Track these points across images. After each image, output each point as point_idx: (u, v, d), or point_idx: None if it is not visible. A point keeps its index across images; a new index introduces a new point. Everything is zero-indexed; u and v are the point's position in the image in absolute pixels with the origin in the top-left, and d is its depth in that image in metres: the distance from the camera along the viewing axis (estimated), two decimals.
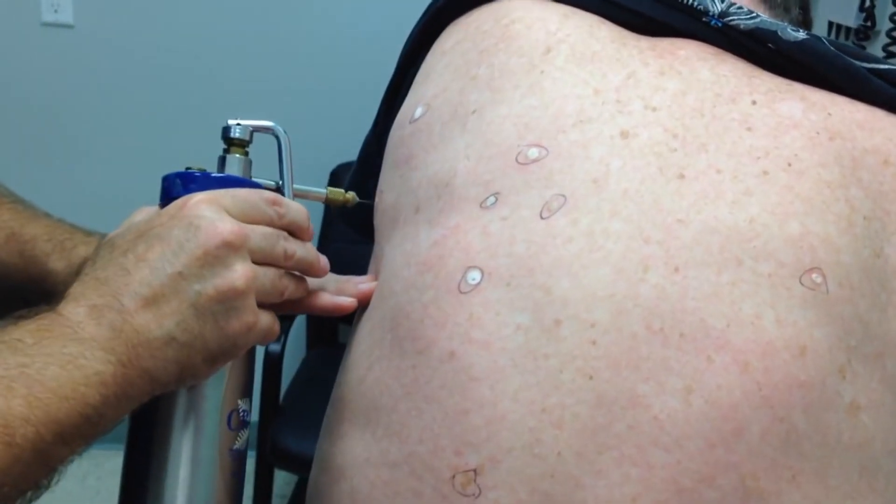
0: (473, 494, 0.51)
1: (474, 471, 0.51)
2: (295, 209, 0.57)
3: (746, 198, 0.53)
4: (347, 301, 0.61)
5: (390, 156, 0.67)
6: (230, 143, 0.58)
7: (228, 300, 0.51)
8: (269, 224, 0.55)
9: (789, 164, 0.54)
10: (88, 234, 0.72)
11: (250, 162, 0.59)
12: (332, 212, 2.13)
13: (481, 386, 0.52)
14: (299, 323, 2.11)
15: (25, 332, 0.46)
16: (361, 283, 0.63)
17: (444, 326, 0.54)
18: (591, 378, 0.50)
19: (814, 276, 0.51)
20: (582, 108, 0.58)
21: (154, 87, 2.21)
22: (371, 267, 0.67)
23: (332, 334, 2.19)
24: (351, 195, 0.64)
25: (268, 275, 0.54)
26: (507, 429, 0.51)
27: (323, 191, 0.63)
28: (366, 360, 0.59)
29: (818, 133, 0.56)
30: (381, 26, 2.11)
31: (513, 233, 0.55)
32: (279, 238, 0.55)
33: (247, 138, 0.58)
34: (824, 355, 0.50)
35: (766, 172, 0.54)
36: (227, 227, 0.51)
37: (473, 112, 0.61)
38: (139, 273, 0.49)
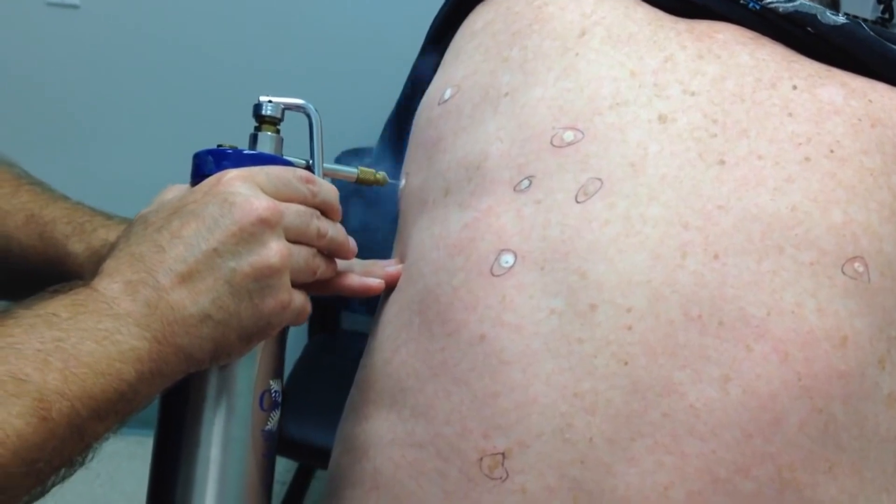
0: (500, 478, 0.50)
1: (502, 454, 0.50)
2: (327, 188, 0.56)
3: (788, 185, 0.52)
4: (375, 282, 0.61)
5: (417, 137, 0.66)
6: (262, 120, 0.57)
7: (264, 277, 0.50)
8: (303, 202, 0.54)
9: (831, 151, 0.54)
10: (108, 217, 0.71)
11: (282, 139, 0.58)
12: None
13: (512, 369, 0.51)
14: None
15: (60, 306, 0.45)
16: (388, 266, 0.62)
17: (475, 309, 0.54)
18: (625, 364, 0.50)
19: (856, 265, 0.51)
20: (618, 91, 0.57)
21: (160, 69, 2.20)
22: (395, 250, 0.66)
23: (333, 321, 2.18)
24: (382, 175, 0.63)
25: (301, 253, 0.53)
26: (537, 413, 0.50)
27: (354, 170, 0.62)
28: (392, 342, 0.58)
29: (860, 120, 0.55)
30: (391, 9, 2.10)
31: (547, 216, 0.54)
32: (312, 216, 0.54)
33: (278, 115, 0.57)
34: (865, 346, 0.49)
35: (808, 159, 0.53)
36: (262, 203, 0.50)
37: (506, 94, 0.60)
38: (174, 250, 0.49)
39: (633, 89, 0.57)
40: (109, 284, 0.47)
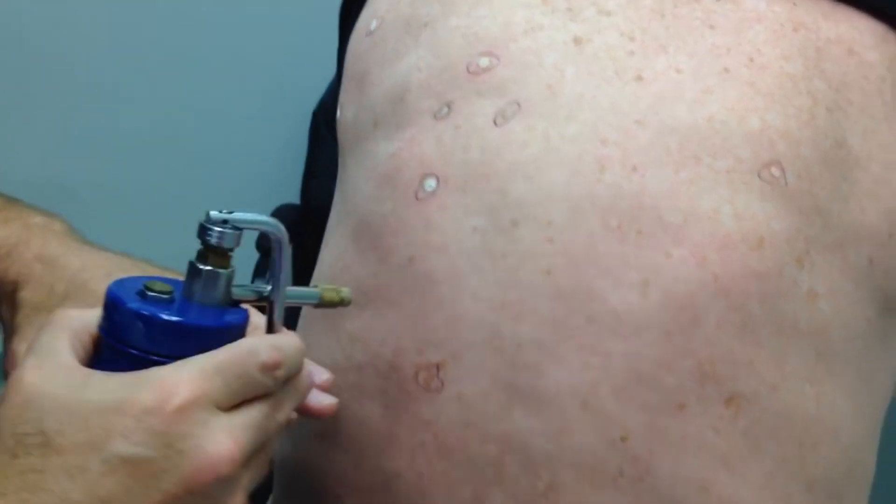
0: (437, 389, 0.52)
1: (437, 366, 0.52)
2: (292, 359, 0.44)
3: (706, 96, 0.53)
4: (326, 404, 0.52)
5: (349, 70, 0.67)
6: (210, 251, 0.43)
7: None
8: (265, 392, 0.42)
9: (751, 60, 0.54)
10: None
11: (233, 272, 0.44)
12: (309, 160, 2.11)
13: (441, 287, 0.53)
14: None
15: None
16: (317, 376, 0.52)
17: (402, 233, 0.55)
18: (548, 274, 0.51)
19: (772, 169, 0.52)
20: (532, 17, 0.58)
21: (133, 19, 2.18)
22: (338, 185, 0.67)
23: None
24: (346, 291, 0.51)
25: (259, 463, 0.43)
26: (467, 326, 0.52)
27: (316, 292, 0.49)
28: (331, 270, 0.61)
29: (782, 25, 0.55)
30: None
31: (467, 140, 0.55)
32: (274, 416, 0.43)
33: (234, 246, 0.43)
34: (782, 246, 0.50)
35: (727, 70, 0.54)
36: (219, 452, 0.39)
37: (425, 25, 0.61)
38: None
39: (547, 15, 0.57)
40: None
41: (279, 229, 0.45)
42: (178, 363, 0.40)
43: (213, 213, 0.42)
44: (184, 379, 0.39)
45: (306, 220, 2.07)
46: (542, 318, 0.51)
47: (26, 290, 0.55)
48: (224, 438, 0.39)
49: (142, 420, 0.38)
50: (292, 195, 2.14)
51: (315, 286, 0.49)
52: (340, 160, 0.67)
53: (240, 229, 0.43)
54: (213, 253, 0.43)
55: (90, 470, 0.37)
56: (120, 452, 0.37)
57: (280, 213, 2.06)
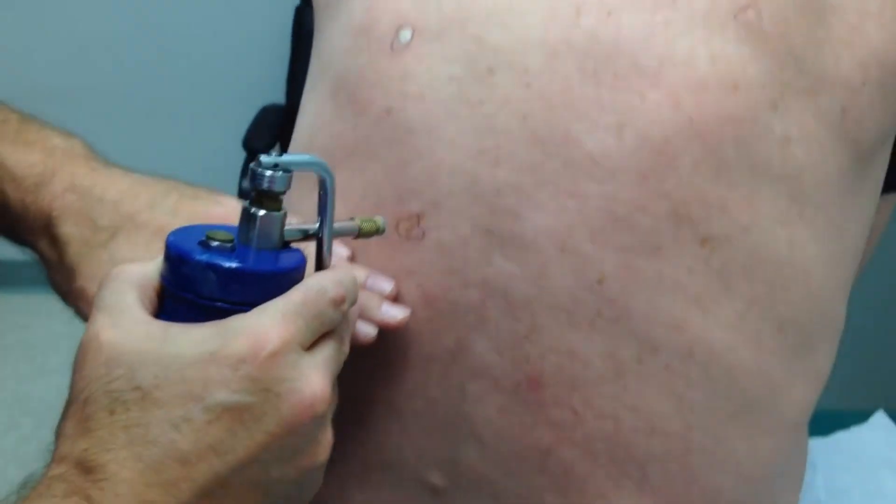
0: (418, 237, 0.53)
1: (417, 216, 0.53)
2: (353, 293, 0.45)
3: None
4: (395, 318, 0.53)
5: None
6: (264, 196, 0.43)
7: (309, 475, 0.42)
8: (334, 326, 0.44)
9: None
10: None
11: (286, 215, 0.44)
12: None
13: (418, 137, 0.53)
14: None
15: None
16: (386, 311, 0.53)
17: (379, 85, 0.55)
18: (525, 119, 0.51)
19: (749, 12, 0.51)
20: None
21: None
22: (314, 50, 0.66)
23: None
24: (381, 220, 0.51)
25: (335, 395, 0.44)
26: (445, 173, 0.52)
27: (354, 225, 0.49)
28: (310, 130, 0.60)
29: None
30: None
31: None
32: (342, 348, 0.45)
33: (285, 189, 0.43)
34: (757, 90, 0.50)
35: None
36: (314, 391, 0.40)
37: None
38: (202, 459, 0.38)
39: None
40: (121, 503, 0.37)
41: (326, 169, 0.45)
42: (259, 309, 0.40)
43: (265, 158, 0.42)
44: (271, 325, 0.40)
45: (291, 120, 2.06)
46: (519, 164, 0.51)
47: (67, 224, 0.54)
48: (315, 377, 0.40)
49: (238, 368, 0.38)
50: (277, 95, 2.13)
51: (352, 219, 0.49)
52: (316, 23, 0.66)
53: (290, 171, 0.43)
54: (267, 197, 0.43)
55: (194, 419, 0.38)
56: (221, 401, 0.38)
57: (265, 113, 2.05)
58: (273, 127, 2.00)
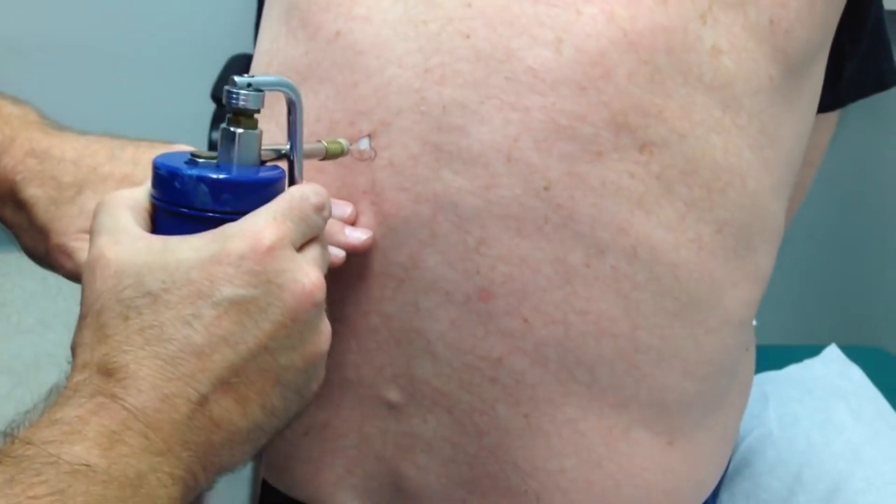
0: (370, 158, 0.55)
1: (368, 136, 0.55)
2: (329, 203, 0.48)
3: None
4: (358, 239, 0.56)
5: None
6: (240, 113, 0.45)
7: (314, 365, 0.45)
8: (318, 232, 0.47)
9: None
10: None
11: (261, 132, 0.46)
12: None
13: (367, 58, 0.55)
14: None
15: (91, 443, 0.37)
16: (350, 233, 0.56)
17: (328, 9, 0.57)
18: (468, 37, 0.53)
19: None
20: None
21: None
22: None
23: None
24: (345, 142, 0.54)
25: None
26: (394, 93, 0.54)
27: (321, 146, 0.52)
28: (266, 57, 0.62)
29: None
30: None
31: None
32: (325, 252, 0.48)
33: (259, 107, 0.45)
34: (686, 2, 0.52)
35: None
36: (312, 281, 0.43)
37: None
38: (216, 352, 0.40)
39: None
40: (142, 399, 0.39)
41: (294, 90, 0.47)
42: (250, 215, 0.43)
43: (238, 79, 0.44)
44: (265, 225, 0.42)
45: None
46: (464, 80, 0.53)
47: (31, 187, 0.56)
48: (311, 269, 0.44)
49: (240, 265, 0.41)
50: (245, 45, 2.12)
51: (319, 141, 0.52)
52: None
53: (261, 90, 0.45)
54: (243, 115, 0.45)
55: (204, 315, 0.40)
56: (227, 296, 0.41)
57: (234, 62, 2.04)
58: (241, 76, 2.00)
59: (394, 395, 0.57)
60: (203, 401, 0.40)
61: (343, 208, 0.56)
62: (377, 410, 0.58)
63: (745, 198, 0.55)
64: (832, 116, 0.68)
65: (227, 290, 0.41)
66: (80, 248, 0.54)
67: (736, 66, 0.53)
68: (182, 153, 0.46)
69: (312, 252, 0.45)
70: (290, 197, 0.45)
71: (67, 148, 0.57)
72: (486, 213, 0.53)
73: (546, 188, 0.52)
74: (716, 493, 0.66)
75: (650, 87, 0.52)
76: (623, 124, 0.52)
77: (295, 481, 0.61)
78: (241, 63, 2.04)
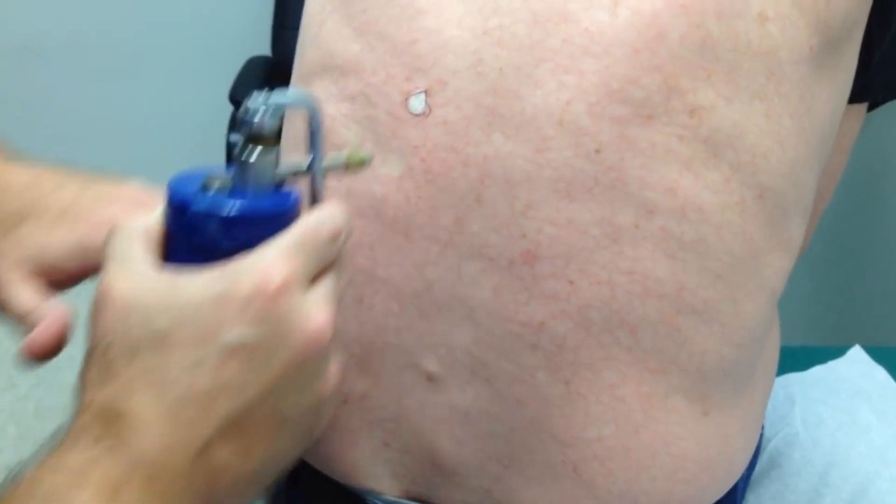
0: (425, 114, 0.56)
1: (424, 92, 0.56)
2: (347, 225, 0.46)
3: None
4: None
5: None
6: (257, 135, 0.43)
7: (320, 406, 0.44)
8: (332, 260, 0.45)
9: None
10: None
11: (279, 152, 0.45)
12: None
13: (427, 17, 0.57)
14: None
15: (95, 490, 0.37)
16: None
17: None
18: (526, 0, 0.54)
19: None
20: None
21: None
22: None
23: None
24: (367, 153, 0.51)
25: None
26: (452, 52, 0.55)
27: (341, 159, 0.49)
28: (318, 17, 0.63)
29: None
30: None
31: None
32: (340, 280, 0.46)
33: (277, 127, 0.43)
34: None
35: None
36: (320, 321, 0.41)
37: None
38: (220, 396, 0.39)
39: None
40: (144, 448, 0.38)
41: (315, 106, 0.45)
42: (262, 249, 0.41)
43: (254, 98, 0.43)
44: (274, 264, 0.40)
45: (278, 72, 2.05)
46: (520, 43, 0.54)
47: None
48: (319, 310, 0.42)
49: (247, 307, 0.39)
50: (262, 47, 2.12)
51: (338, 153, 0.49)
52: None
53: (280, 107, 0.43)
54: (259, 137, 0.43)
55: (210, 359, 0.39)
56: (234, 339, 0.39)
57: (251, 65, 2.05)
58: (260, 79, 2.00)
59: (433, 365, 0.57)
60: (206, 447, 0.39)
61: None
62: (416, 382, 0.58)
63: (785, 165, 0.56)
64: (861, 108, 0.68)
65: (233, 334, 0.40)
66: (11, 282, 0.52)
67: (780, 34, 0.54)
68: (199, 173, 0.44)
69: (324, 286, 0.43)
70: (304, 228, 0.43)
71: (15, 177, 0.55)
72: (536, 177, 0.53)
73: (597, 151, 0.53)
74: (743, 495, 0.65)
75: (701, 50, 0.52)
76: (674, 88, 0.53)
77: (331, 453, 0.61)
78: (259, 66, 2.05)
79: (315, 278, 0.43)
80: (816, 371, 1.00)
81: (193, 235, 0.42)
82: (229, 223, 0.42)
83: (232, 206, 0.42)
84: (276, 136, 0.43)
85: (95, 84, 2.22)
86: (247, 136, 0.43)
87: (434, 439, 0.58)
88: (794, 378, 0.98)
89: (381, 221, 0.57)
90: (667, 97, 0.52)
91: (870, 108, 0.70)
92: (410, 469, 0.60)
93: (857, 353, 1.04)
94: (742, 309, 0.57)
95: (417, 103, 0.56)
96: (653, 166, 0.53)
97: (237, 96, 1.92)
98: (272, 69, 2.04)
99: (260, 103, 0.42)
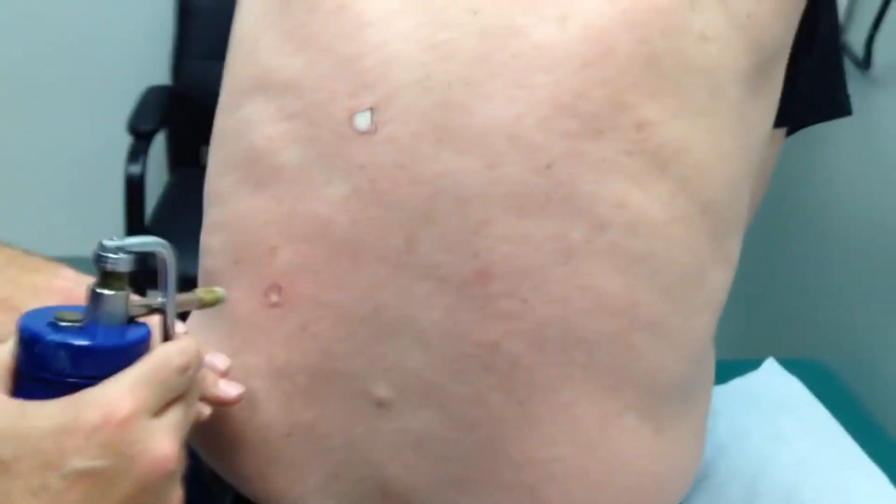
0: (371, 132, 0.54)
1: (370, 109, 0.55)
2: (197, 361, 0.48)
3: None
4: (233, 394, 0.56)
5: None
6: (109, 276, 0.46)
7: None
8: (181, 391, 0.47)
9: None
10: None
11: (129, 293, 0.47)
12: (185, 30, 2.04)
13: (373, 30, 0.55)
14: (159, 145, 2.05)
15: None
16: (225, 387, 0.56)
17: None
18: (475, 13, 0.54)
19: None
20: None
21: None
22: None
23: (194, 156, 2.14)
24: (220, 291, 0.55)
25: (182, 455, 0.47)
26: (399, 66, 0.54)
27: (196, 296, 0.53)
28: (254, 31, 0.61)
29: None
30: None
31: None
32: (190, 411, 0.48)
33: (129, 270, 0.46)
34: None
35: None
36: (164, 451, 0.43)
37: None
38: None
39: None
40: None
41: (167, 248, 0.47)
42: (108, 381, 0.43)
43: (108, 242, 0.45)
44: (121, 394, 0.42)
45: (178, 101, 2.01)
46: (470, 57, 0.53)
47: None
48: (164, 439, 0.43)
49: (92, 436, 0.41)
50: (162, 76, 2.07)
51: (193, 291, 0.53)
52: None
53: (133, 253, 0.46)
54: (112, 277, 0.45)
55: (52, 486, 0.40)
56: (77, 468, 0.40)
57: (151, 94, 2.00)
58: (159, 108, 1.95)
59: (384, 390, 0.56)
60: None
61: (218, 362, 0.56)
62: (366, 408, 0.56)
63: (726, 181, 0.57)
64: (782, 133, 0.70)
65: (77, 462, 0.40)
66: None
67: (720, 54, 0.55)
68: (49, 310, 0.46)
69: (171, 417, 0.45)
70: (153, 360, 0.45)
71: None
72: (489, 194, 0.53)
73: (548, 166, 0.53)
74: None
75: (647, 67, 0.53)
76: (621, 102, 0.53)
77: (276, 489, 0.59)
78: (158, 94, 2.00)
79: (162, 409, 0.45)
80: (736, 383, 1.03)
81: (44, 368, 0.44)
82: (78, 353, 0.43)
83: (80, 339, 0.44)
84: (130, 276, 0.46)
85: None
86: (100, 276, 0.45)
87: (386, 467, 0.57)
88: (716, 390, 1.00)
89: (327, 244, 0.56)
90: (614, 111, 0.53)
91: (788, 133, 0.72)
92: (361, 500, 0.58)
93: (771, 365, 1.07)
94: (690, 324, 0.58)
95: (363, 121, 0.55)
96: (603, 181, 0.53)
97: (137, 126, 1.87)
98: (172, 98, 2.00)
99: (114, 247, 0.45)
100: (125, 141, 1.85)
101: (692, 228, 0.56)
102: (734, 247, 0.61)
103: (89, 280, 0.54)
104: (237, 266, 0.59)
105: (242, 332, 0.59)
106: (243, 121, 0.60)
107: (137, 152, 1.83)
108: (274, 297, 0.57)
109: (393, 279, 0.54)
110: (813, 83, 0.67)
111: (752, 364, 1.07)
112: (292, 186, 0.57)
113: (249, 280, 0.58)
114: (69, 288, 0.56)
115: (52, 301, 0.54)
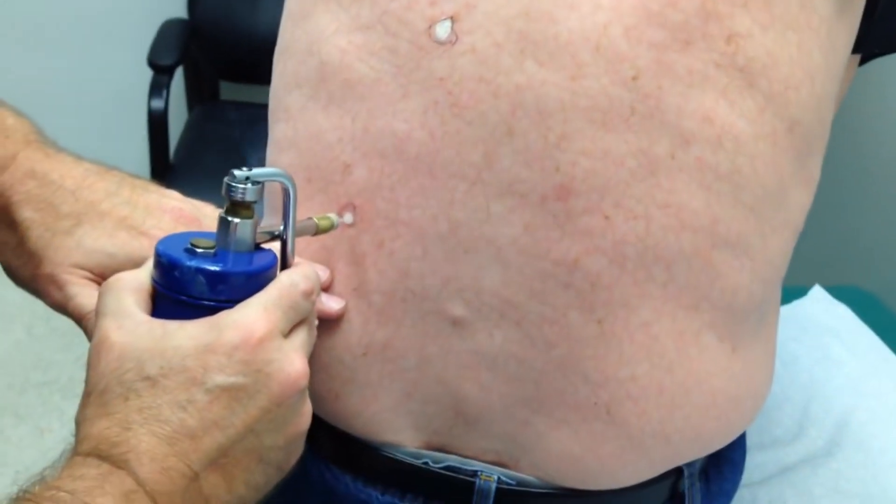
0: (451, 42, 0.53)
1: (451, 18, 0.53)
2: (317, 282, 0.51)
3: None
4: (336, 307, 0.57)
5: None
6: (238, 205, 0.48)
7: (294, 442, 0.48)
8: (306, 314, 0.50)
9: None
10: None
11: (258, 220, 0.50)
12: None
13: None
14: (178, 82, 2.02)
15: (112, 498, 0.40)
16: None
17: None
18: None
19: None
20: None
21: None
22: None
23: (214, 91, 2.12)
24: (335, 217, 0.55)
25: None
26: None
27: (312, 223, 0.54)
28: None
29: None
30: None
31: None
32: (312, 332, 0.51)
33: (257, 199, 0.49)
34: None
35: None
36: (297, 370, 0.46)
37: None
38: (207, 433, 0.44)
39: None
40: (144, 471, 0.42)
41: (290, 179, 0.50)
42: (244, 305, 0.46)
43: (237, 172, 0.47)
44: (257, 317, 0.46)
45: (195, 34, 1.98)
46: None
47: (28, 209, 0.56)
48: (295, 358, 0.47)
49: (232, 355, 0.44)
50: (178, 9, 2.04)
51: (310, 218, 0.54)
52: None
53: (260, 182, 0.48)
54: (240, 206, 0.48)
55: (198, 400, 0.44)
56: (219, 383, 0.44)
57: (168, 27, 1.97)
58: (177, 41, 1.92)
59: (459, 309, 0.55)
60: (195, 477, 0.43)
61: (322, 272, 0.56)
62: (440, 328, 0.56)
63: (813, 99, 0.55)
64: (856, 60, 0.68)
65: (219, 378, 0.44)
66: (71, 282, 0.55)
67: None
68: (183, 237, 0.49)
69: (299, 337, 0.48)
70: (281, 286, 0.48)
71: (66, 175, 0.57)
72: (570, 106, 0.51)
73: (634, 78, 0.51)
74: None
75: None
76: (712, 12, 0.51)
77: (349, 409, 0.59)
78: (176, 28, 1.97)
79: (291, 330, 0.48)
80: (784, 310, 1.02)
81: (182, 291, 0.47)
82: (215, 279, 0.47)
83: (216, 264, 0.47)
84: (255, 206, 0.49)
85: (9, 56, 2.10)
86: (229, 205, 0.48)
87: (459, 386, 0.56)
88: None
89: (403, 160, 0.54)
90: (705, 21, 0.51)
91: (863, 62, 0.70)
92: (433, 419, 0.58)
93: (818, 293, 1.06)
94: (770, 244, 0.56)
95: (443, 30, 0.53)
96: (690, 94, 0.51)
97: (156, 60, 1.85)
98: (189, 31, 1.97)
99: (242, 177, 0.47)
100: (146, 74, 1.83)
101: (777, 146, 0.54)
102: (816, 167, 0.59)
103: (194, 201, 0.58)
104: (310, 184, 0.58)
105: (317, 252, 0.58)
106: (313, 31, 0.58)
107: (159, 86, 1.80)
108: (348, 216, 0.56)
109: (470, 196, 0.53)
110: (893, 12, 0.65)
111: (799, 291, 1.07)
112: (367, 101, 0.55)
113: (323, 199, 0.57)
114: (179, 207, 0.58)
115: (165, 219, 0.57)
